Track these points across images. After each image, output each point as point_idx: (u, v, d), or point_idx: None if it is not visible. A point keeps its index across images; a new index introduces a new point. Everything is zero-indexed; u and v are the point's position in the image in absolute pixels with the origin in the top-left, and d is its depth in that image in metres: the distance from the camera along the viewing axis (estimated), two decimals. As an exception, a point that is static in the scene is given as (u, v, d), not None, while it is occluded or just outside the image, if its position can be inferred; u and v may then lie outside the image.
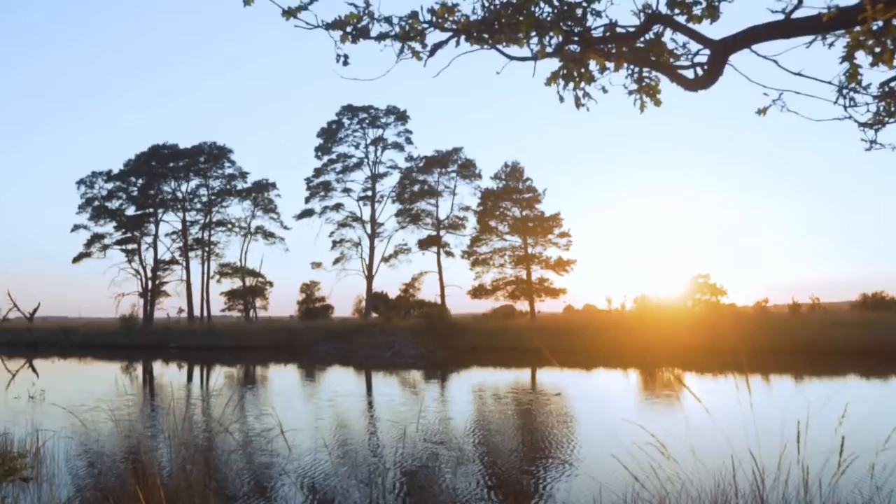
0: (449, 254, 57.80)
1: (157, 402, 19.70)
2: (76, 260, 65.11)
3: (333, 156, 59.73)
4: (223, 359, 39.01)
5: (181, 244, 65.46)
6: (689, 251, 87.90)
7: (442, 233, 57.84)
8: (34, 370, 35.72)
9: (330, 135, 59.52)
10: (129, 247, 65.19)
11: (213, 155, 64.57)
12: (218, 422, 14.68)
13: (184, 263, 65.44)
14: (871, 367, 25.08)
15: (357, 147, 59.76)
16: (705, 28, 3.20)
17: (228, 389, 23.53)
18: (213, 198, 65.28)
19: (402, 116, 58.56)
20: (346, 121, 59.17)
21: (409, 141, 59.40)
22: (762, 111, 3.36)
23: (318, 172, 60.21)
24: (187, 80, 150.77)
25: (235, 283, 66.26)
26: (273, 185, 64.76)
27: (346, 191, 60.04)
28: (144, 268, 64.94)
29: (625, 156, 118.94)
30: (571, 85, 3.41)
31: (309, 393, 22.10)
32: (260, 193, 64.56)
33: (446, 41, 3.13)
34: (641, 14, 3.20)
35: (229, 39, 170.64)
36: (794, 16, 3.02)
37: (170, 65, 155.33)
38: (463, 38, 3.13)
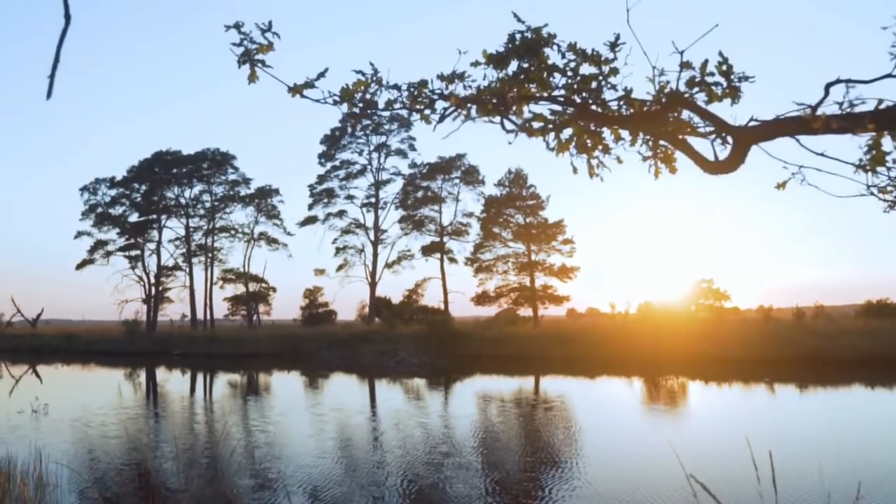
0: (452, 260, 57.80)
1: (161, 416, 19.66)
2: (79, 267, 65.24)
3: (337, 162, 59.85)
4: (226, 365, 39.00)
5: (184, 250, 65.58)
6: (691, 255, 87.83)
7: (445, 239, 57.83)
8: (38, 376, 35.79)
9: (333, 141, 59.57)
10: (133, 253, 65.34)
11: (217, 161, 64.66)
12: (225, 455, 14.64)
13: (187, 269, 65.58)
14: (876, 379, 24.93)
15: (360, 154, 59.87)
16: (726, 108, 3.14)
17: (232, 400, 23.50)
18: (216, 204, 65.36)
19: (405, 123, 58.55)
20: (349, 127, 59.18)
21: (412, 147, 59.47)
22: (781, 185, 3.30)
23: (322, 179, 60.30)
24: (190, 86, 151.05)
25: (239, 288, 66.39)
26: (276, 192, 64.85)
27: (350, 197, 60.14)
28: (147, 274, 65.08)
29: (628, 160, 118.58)
30: (585, 155, 3.36)
31: (313, 402, 22.00)
32: (263, 199, 64.59)
33: (455, 109, 3.08)
34: (657, 80, 3.14)
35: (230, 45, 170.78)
36: (821, 109, 2.96)
37: (173, 70, 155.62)
38: (474, 108, 3.08)
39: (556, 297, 54.99)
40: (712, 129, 3.26)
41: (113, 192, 65.63)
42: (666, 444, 13.63)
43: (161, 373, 36.87)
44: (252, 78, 2.98)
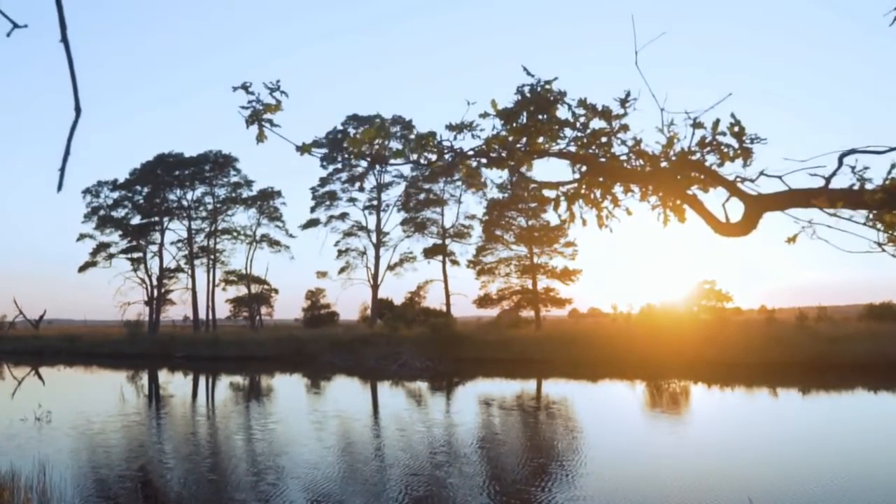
0: (454, 262, 57.77)
1: (164, 424, 19.69)
2: (82, 269, 65.27)
3: (339, 165, 59.76)
4: (229, 368, 39.07)
5: (186, 252, 65.58)
6: (694, 256, 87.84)
7: (447, 241, 57.80)
8: (40, 378, 35.91)
9: (335, 144, 59.51)
10: (135, 255, 65.32)
11: (219, 163, 64.64)
12: (228, 465, 14.64)
13: (189, 271, 65.58)
14: (880, 384, 24.89)
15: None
16: (738, 169, 3.12)
17: (234, 405, 23.52)
18: (218, 206, 65.35)
19: (407, 126, 58.45)
20: (351, 130, 59.05)
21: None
22: (791, 239, 3.30)
23: (324, 182, 60.23)
24: (191, 87, 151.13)
25: (241, 290, 66.44)
26: (278, 194, 64.80)
27: (352, 200, 60.06)
28: (150, 276, 65.08)
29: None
30: (594, 209, 3.36)
31: (315, 408, 21.96)
32: (265, 201, 64.57)
33: (462, 161, 3.09)
34: (666, 129, 3.13)
35: (233, 46, 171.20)
36: (830, 172, 2.96)
37: (174, 72, 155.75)
38: (483, 160, 3.09)
39: (558, 299, 54.99)
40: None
41: (115, 195, 65.68)
42: (668, 453, 13.62)
43: (163, 375, 36.91)
44: (260, 137, 2.98)
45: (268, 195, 64.56)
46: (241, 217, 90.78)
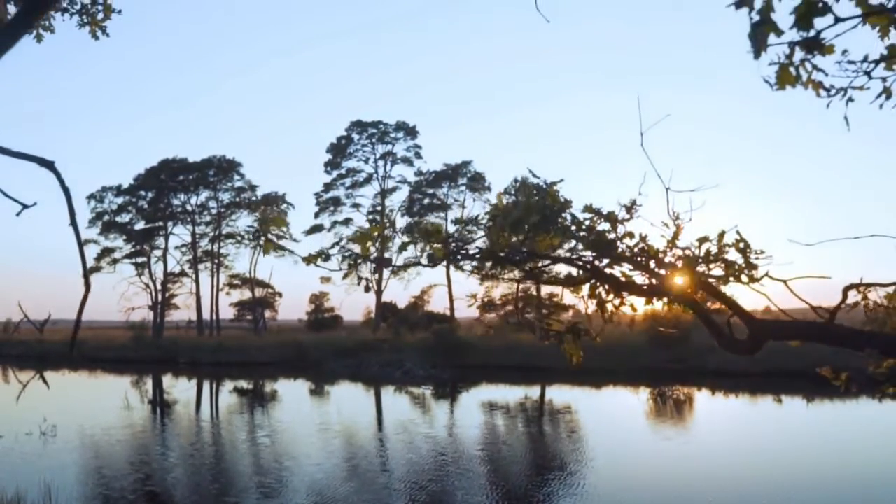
0: (458, 268, 57.69)
1: (170, 436, 19.79)
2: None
3: (343, 170, 59.80)
4: (232, 374, 39.22)
5: (191, 257, 65.72)
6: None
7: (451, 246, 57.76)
8: (45, 382, 36.01)
9: (339, 150, 59.58)
10: (139, 260, 65.44)
11: (223, 168, 64.75)
12: (235, 477, 14.70)
13: (193, 276, 65.71)
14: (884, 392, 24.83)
15: (366, 162, 59.85)
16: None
17: (239, 415, 23.60)
18: (222, 210, 65.48)
19: (411, 132, 58.57)
20: (355, 136, 59.23)
21: (418, 155, 59.43)
22: (797, 342, 3.34)
23: (328, 187, 60.31)
24: (194, 92, 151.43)
25: (245, 293, 66.61)
26: (282, 198, 64.90)
27: (356, 206, 60.11)
28: (154, 281, 65.25)
29: (632, 166, 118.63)
30: (599, 308, 3.41)
31: (319, 419, 22.00)
32: (269, 206, 64.67)
33: (470, 259, 3.16)
34: (673, 224, 3.19)
35: (235, 48, 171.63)
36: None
37: (177, 76, 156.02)
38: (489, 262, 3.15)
39: (561, 305, 54.92)
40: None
41: (119, 200, 65.84)
42: (671, 463, 13.62)
43: (167, 381, 37.03)
44: (266, 250, 3.05)
45: (272, 200, 64.67)
46: (245, 221, 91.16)
